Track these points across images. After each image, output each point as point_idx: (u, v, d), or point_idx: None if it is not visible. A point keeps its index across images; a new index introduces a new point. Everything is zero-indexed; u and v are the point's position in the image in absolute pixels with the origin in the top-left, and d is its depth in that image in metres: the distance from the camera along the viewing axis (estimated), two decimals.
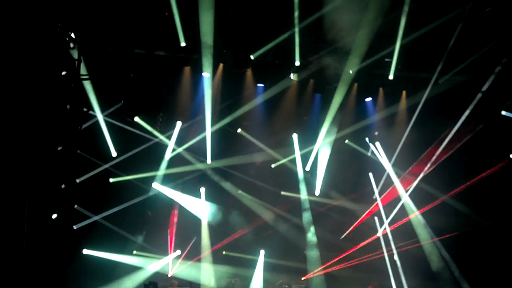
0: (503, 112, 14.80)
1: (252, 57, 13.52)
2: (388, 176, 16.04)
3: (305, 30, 13.06)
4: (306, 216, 16.38)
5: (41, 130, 10.23)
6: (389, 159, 15.97)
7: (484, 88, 13.71)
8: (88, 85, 12.88)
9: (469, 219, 15.08)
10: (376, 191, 16.42)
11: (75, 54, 10.20)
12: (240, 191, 16.09)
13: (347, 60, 13.81)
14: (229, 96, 14.79)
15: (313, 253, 16.31)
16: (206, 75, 13.82)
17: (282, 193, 16.53)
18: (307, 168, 16.25)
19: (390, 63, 14.13)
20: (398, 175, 15.91)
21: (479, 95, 13.78)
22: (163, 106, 14.55)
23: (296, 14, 12.38)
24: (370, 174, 16.73)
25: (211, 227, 15.99)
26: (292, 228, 16.51)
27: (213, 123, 14.66)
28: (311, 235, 16.31)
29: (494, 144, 14.80)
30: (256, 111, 15.25)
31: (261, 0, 12.50)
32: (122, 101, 13.89)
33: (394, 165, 15.93)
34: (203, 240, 15.87)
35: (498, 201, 14.99)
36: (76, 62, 10.20)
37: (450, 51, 13.63)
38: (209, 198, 16.14)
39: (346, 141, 16.35)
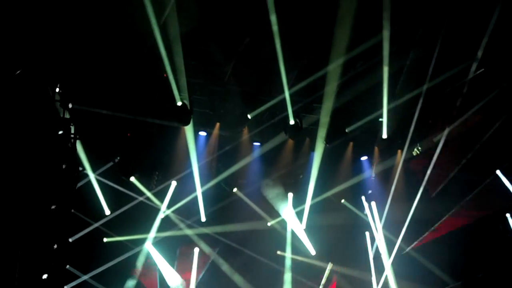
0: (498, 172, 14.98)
1: (249, 116, 13.67)
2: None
3: (300, 91, 13.31)
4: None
5: (36, 189, 10.21)
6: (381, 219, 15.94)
7: None
8: (79, 145, 12.88)
9: None
10: (371, 255, 16.24)
11: (67, 115, 10.33)
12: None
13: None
14: (225, 155, 14.83)
15: None
16: (203, 134, 13.97)
17: (279, 253, 16.30)
18: (303, 227, 16.10)
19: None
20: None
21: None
22: (159, 165, 14.59)
23: (284, 80, 12.62)
24: (367, 234, 16.58)
25: None
26: None
27: (208, 181, 14.68)
28: None
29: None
30: (252, 169, 15.26)
31: (257, 63, 12.80)
32: (118, 158, 13.91)
33: (384, 227, 15.89)
34: None
35: None
36: (72, 122, 10.33)
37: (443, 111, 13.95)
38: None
39: (342, 200, 16.28)
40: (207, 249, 15.71)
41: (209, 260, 15.82)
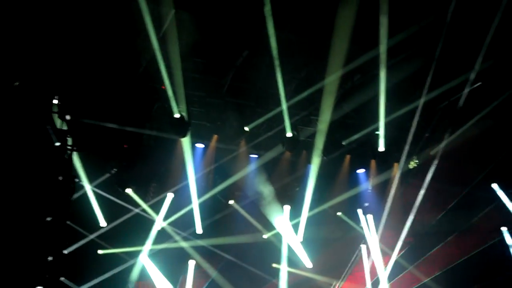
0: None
1: (246, 128, 13.67)
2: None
3: (297, 104, 13.33)
4: None
5: (32, 200, 10.17)
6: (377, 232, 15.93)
7: None
8: (75, 156, 12.82)
9: None
10: (367, 268, 16.19)
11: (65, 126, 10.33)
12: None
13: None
14: (222, 167, 14.81)
15: None
16: (200, 146, 13.96)
17: (274, 265, 16.22)
18: (299, 240, 16.04)
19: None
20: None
21: None
22: (155, 177, 14.54)
23: (282, 92, 12.65)
24: (363, 247, 16.52)
25: None
26: None
27: (204, 194, 14.65)
28: None
29: None
30: (248, 182, 15.23)
31: (255, 75, 12.83)
32: (115, 169, 13.87)
33: (380, 240, 15.86)
34: None
35: None
36: (69, 134, 10.31)
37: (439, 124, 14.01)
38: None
39: (339, 213, 16.25)
40: (206, 265, 15.63)
41: (209, 278, 15.75)
